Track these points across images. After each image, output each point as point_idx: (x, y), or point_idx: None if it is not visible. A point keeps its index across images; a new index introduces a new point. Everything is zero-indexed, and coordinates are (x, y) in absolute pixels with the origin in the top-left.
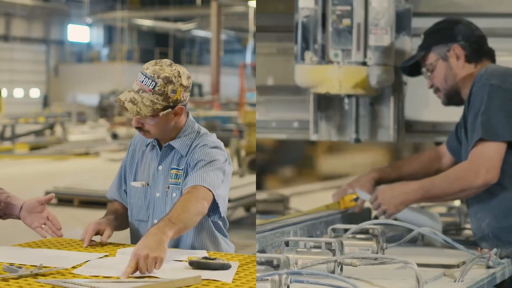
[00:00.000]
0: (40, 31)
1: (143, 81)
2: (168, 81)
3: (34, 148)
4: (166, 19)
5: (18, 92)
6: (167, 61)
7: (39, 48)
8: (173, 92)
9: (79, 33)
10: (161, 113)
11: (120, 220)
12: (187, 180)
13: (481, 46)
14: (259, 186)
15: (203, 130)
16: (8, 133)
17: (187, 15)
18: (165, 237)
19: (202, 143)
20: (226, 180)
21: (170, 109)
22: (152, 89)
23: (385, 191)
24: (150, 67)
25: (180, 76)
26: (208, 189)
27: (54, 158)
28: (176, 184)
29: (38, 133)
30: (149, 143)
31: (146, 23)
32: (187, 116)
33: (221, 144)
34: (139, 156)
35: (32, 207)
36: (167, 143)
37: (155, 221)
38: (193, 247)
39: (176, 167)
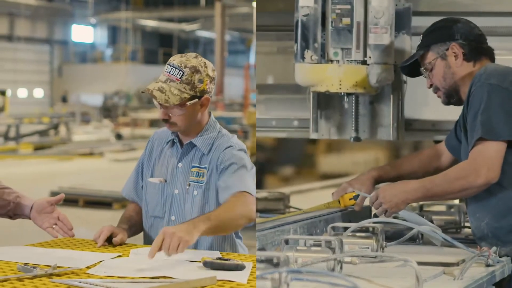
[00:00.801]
0: (44, 31)
1: (170, 71)
2: (195, 70)
3: (38, 148)
4: (170, 19)
5: (22, 92)
6: (192, 54)
7: (43, 48)
8: (200, 82)
9: (83, 33)
10: (188, 103)
11: (134, 229)
12: (227, 184)
13: (480, 44)
14: (259, 184)
15: (224, 130)
16: (12, 133)
17: (191, 15)
18: (196, 228)
19: (228, 144)
20: None
21: (197, 100)
22: (180, 78)
23: (385, 190)
24: (176, 58)
25: (206, 67)
26: (251, 194)
27: (58, 158)
28: (198, 182)
29: (42, 133)
30: (170, 140)
31: (150, 23)
32: (209, 115)
33: (245, 146)
34: (157, 153)
35: (42, 208)
36: (188, 141)
37: (172, 217)
38: (211, 248)
39: (198, 165)
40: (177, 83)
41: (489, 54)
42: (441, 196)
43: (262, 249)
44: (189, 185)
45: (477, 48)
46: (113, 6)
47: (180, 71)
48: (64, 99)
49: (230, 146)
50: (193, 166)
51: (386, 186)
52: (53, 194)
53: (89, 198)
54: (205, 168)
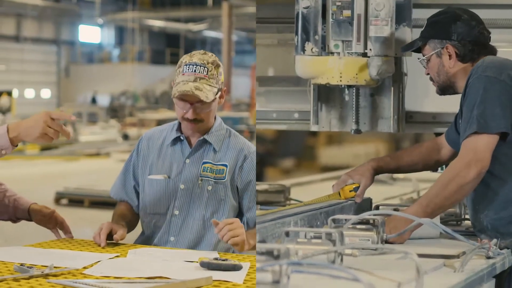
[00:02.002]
0: (51, 31)
1: (196, 70)
2: (216, 64)
3: (45, 148)
4: (177, 19)
5: (29, 93)
6: (200, 51)
7: (50, 48)
8: (220, 75)
9: (90, 33)
10: (216, 96)
11: (129, 226)
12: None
13: (478, 45)
14: (260, 176)
15: (231, 129)
16: None
17: (198, 15)
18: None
19: (247, 148)
20: None
21: (219, 92)
22: (207, 74)
23: (386, 225)
24: (193, 58)
25: (218, 60)
26: None
27: (65, 158)
28: (213, 179)
29: None
30: (173, 138)
31: (157, 23)
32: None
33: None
34: (155, 152)
35: (40, 217)
36: (200, 138)
37: (176, 212)
38: (212, 249)
39: (211, 162)
40: (206, 80)
41: (490, 53)
42: (441, 205)
43: (262, 241)
44: (201, 180)
45: (475, 49)
46: (120, 6)
47: (205, 68)
48: (94, 100)
49: (251, 153)
50: (205, 162)
51: (387, 221)
52: (59, 194)
53: (94, 199)
54: (223, 165)
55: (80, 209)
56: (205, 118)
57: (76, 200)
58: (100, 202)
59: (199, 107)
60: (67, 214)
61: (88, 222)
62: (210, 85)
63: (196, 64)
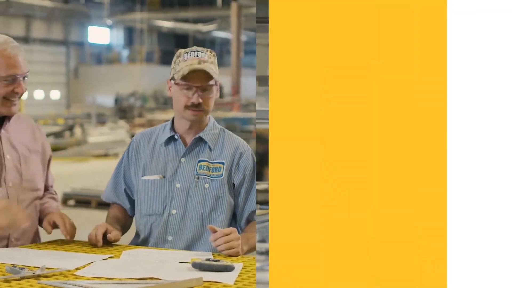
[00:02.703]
0: (59, 32)
1: (197, 55)
2: (213, 54)
3: (54, 149)
4: (186, 20)
5: (39, 94)
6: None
7: (59, 49)
8: (217, 66)
9: (99, 34)
10: (218, 82)
11: (123, 229)
12: (251, 206)
13: None
14: (259, 176)
15: (224, 128)
16: None
17: (207, 16)
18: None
19: (243, 146)
20: None
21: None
22: (208, 59)
23: None
24: (191, 49)
25: None
26: None
27: (74, 159)
28: (210, 176)
29: (58, 134)
30: (167, 138)
31: (166, 24)
32: None
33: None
34: (147, 153)
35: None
36: (196, 136)
37: (173, 211)
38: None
39: (207, 160)
40: (208, 63)
41: None
42: None
43: (262, 241)
44: (198, 178)
45: None
46: (128, 7)
47: (205, 54)
48: (116, 101)
49: (246, 150)
50: (201, 160)
51: None
52: (66, 195)
53: (101, 200)
54: (220, 163)
55: (87, 210)
56: (208, 104)
57: (83, 201)
58: (107, 203)
59: (203, 90)
60: (74, 215)
61: (95, 223)
62: (212, 68)
63: (197, 50)
